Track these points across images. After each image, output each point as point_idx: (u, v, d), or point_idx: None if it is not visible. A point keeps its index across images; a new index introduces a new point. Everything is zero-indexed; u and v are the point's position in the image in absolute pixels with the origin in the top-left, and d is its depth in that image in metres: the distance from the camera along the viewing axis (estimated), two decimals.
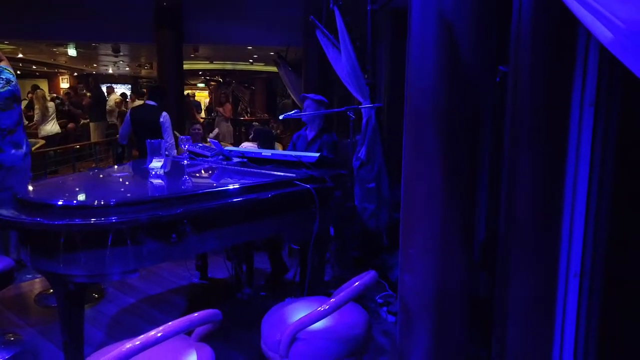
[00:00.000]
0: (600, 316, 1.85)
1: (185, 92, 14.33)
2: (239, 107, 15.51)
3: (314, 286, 2.95)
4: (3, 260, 2.73)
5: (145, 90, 16.68)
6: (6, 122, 3.51)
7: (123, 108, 11.69)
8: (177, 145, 4.79)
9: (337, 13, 3.75)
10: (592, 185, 1.77)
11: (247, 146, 4.77)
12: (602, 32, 0.90)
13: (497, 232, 2.07)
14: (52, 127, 8.77)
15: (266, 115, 15.33)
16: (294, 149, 3.92)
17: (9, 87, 3.55)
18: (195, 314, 1.54)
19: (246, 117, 14.51)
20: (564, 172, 1.78)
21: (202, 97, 18.58)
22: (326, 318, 1.88)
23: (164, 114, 5.14)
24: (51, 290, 3.56)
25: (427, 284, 2.13)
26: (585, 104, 1.75)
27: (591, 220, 1.79)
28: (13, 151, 3.54)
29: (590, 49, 1.70)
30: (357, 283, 1.86)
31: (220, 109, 11.48)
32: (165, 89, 6.39)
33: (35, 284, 3.91)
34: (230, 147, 3.96)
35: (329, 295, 2.34)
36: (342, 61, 3.88)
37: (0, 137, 3.49)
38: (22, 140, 3.63)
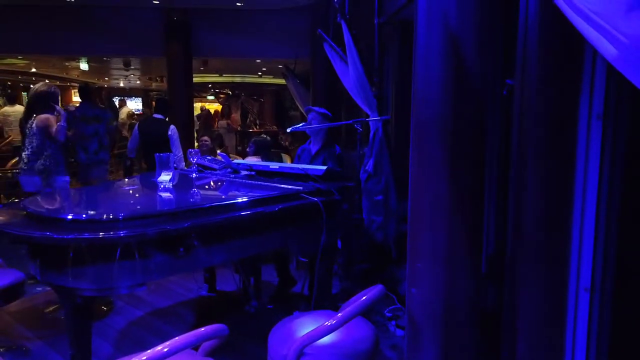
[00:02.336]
0: (611, 331, 1.82)
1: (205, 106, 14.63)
2: (248, 119, 15.61)
3: (321, 299, 2.94)
4: (13, 274, 2.76)
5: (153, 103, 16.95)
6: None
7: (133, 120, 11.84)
8: (186, 158, 4.83)
9: (344, 26, 3.78)
10: (601, 197, 1.75)
11: (252, 160, 4.79)
12: (607, 48, 0.90)
13: (505, 244, 2.05)
14: None
15: (274, 127, 15.40)
16: (299, 163, 3.93)
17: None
18: (202, 329, 1.54)
19: (255, 129, 14.60)
20: (572, 185, 1.77)
21: (212, 108, 18.74)
22: (333, 333, 1.86)
23: (172, 127, 5.18)
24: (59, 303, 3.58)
25: (434, 297, 2.12)
26: (592, 116, 1.74)
27: (601, 233, 1.77)
28: (82, 154, 5.29)
29: (597, 61, 1.69)
30: (364, 297, 1.84)
31: (224, 122, 11.62)
32: (168, 101, 6.46)
33: (44, 297, 3.93)
34: (239, 160, 3.97)
35: (337, 309, 2.33)
36: (349, 74, 3.90)
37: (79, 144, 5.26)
38: (90, 148, 5.24)
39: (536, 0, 1.76)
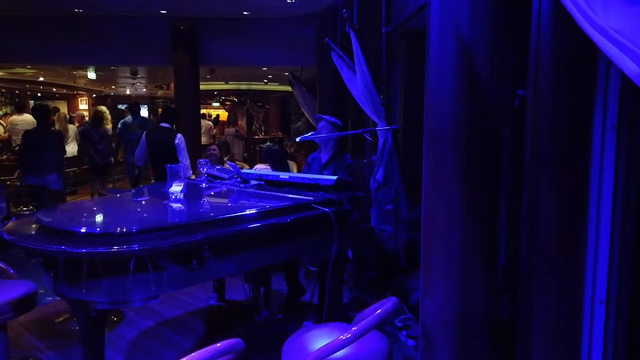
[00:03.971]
0: (628, 342, 1.80)
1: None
2: (253, 126, 15.68)
3: (332, 309, 2.93)
4: (26, 285, 2.76)
5: (160, 110, 17.15)
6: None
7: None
8: (195, 168, 4.85)
9: (352, 36, 3.79)
10: (616, 208, 1.74)
11: (260, 168, 4.80)
12: (629, 66, 0.90)
13: (518, 255, 2.04)
14: (72, 148, 8.92)
15: (280, 133, 15.45)
16: (309, 172, 3.94)
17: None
18: (218, 344, 1.53)
19: (260, 136, 14.66)
20: (587, 196, 1.76)
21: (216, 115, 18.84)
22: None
23: (179, 135, 5.20)
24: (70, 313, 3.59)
25: (448, 309, 2.11)
26: (607, 128, 1.73)
27: (616, 244, 1.75)
28: (131, 156, 6.56)
29: (611, 72, 1.69)
30: (379, 311, 1.84)
31: (232, 129, 11.69)
32: (176, 110, 6.52)
33: (55, 307, 3.94)
34: (248, 170, 3.98)
35: (348, 319, 2.32)
36: (357, 82, 3.90)
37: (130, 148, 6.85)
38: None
39: (548, 10, 1.76)
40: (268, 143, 10.87)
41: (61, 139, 6.22)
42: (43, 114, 5.86)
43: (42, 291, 3.17)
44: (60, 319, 3.74)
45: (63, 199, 6.50)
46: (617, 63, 0.94)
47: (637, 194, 1.73)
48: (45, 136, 5.73)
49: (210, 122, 12.77)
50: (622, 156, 1.72)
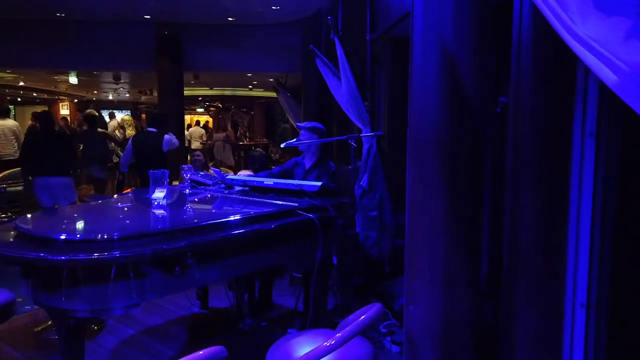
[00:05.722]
0: (608, 346, 1.83)
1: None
2: (238, 132, 15.60)
3: (317, 315, 2.92)
4: (3, 294, 2.70)
5: (143, 115, 17.04)
6: None
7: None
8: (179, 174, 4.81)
9: (337, 43, 3.80)
10: (595, 213, 1.77)
11: (244, 174, 4.77)
12: (607, 75, 0.92)
13: (500, 261, 2.06)
14: None
15: (265, 139, 15.42)
16: (286, 174, 3.90)
17: None
18: (200, 352, 1.51)
19: (245, 142, 14.60)
20: (567, 201, 1.78)
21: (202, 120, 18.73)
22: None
23: (166, 137, 5.15)
24: (49, 322, 3.51)
25: (433, 315, 2.12)
26: (586, 134, 1.76)
27: (596, 249, 1.78)
28: None
29: (590, 80, 1.72)
30: (363, 317, 1.83)
31: (221, 134, 11.70)
32: (165, 115, 6.48)
33: (33, 316, 3.86)
34: (232, 176, 3.96)
35: (333, 325, 2.32)
36: (342, 89, 3.91)
37: None
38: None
39: (529, 20, 1.80)
40: (254, 148, 10.86)
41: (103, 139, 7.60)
42: (93, 120, 7.39)
43: (20, 300, 3.10)
44: (39, 328, 3.66)
45: (105, 185, 7.50)
46: (595, 72, 0.96)
47: (616, 199, 1.76)
48: (94, 138, 7.06)
49: (202, 129, 13.10)
50: (601, 162, 1.75)
